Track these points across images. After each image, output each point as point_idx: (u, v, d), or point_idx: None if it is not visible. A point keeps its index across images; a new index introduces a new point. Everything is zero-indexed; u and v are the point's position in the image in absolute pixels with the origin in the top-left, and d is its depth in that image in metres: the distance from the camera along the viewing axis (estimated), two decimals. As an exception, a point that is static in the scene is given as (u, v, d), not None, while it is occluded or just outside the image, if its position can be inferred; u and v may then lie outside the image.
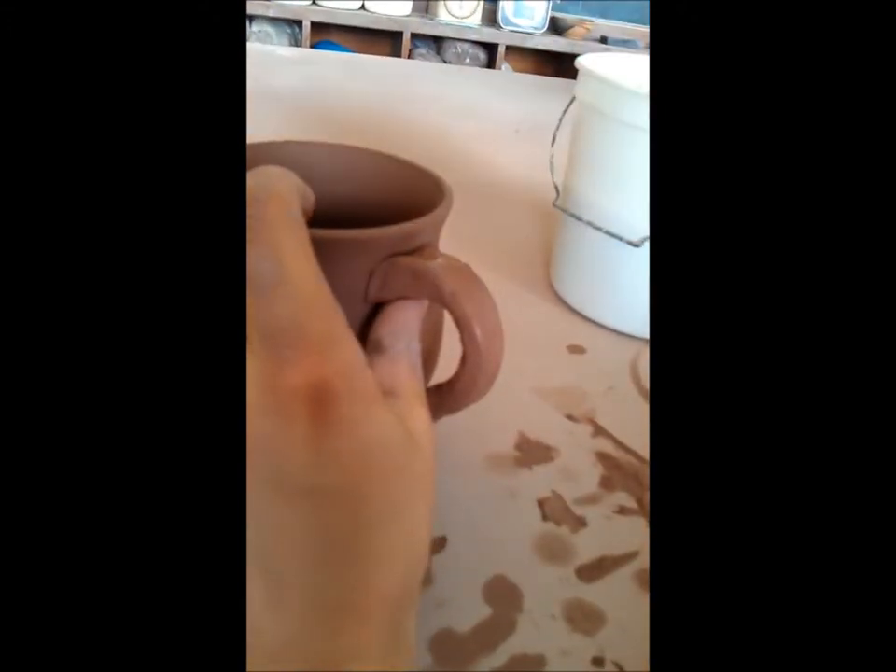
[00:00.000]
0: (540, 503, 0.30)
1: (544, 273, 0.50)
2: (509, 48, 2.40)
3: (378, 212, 0.30)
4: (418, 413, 0.20)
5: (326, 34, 2.38)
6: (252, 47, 1.14)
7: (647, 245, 0.39)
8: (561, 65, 2.49)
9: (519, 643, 0.24)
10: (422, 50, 2.40)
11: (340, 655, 0.15)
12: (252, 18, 2.20)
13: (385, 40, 2.42)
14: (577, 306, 0.45)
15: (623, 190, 0.40)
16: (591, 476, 0.32)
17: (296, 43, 2.24)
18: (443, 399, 0.25)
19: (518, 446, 0.33)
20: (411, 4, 2.31)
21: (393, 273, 0.24)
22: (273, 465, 0.14)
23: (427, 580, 0.25)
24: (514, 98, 1.06)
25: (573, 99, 0.44)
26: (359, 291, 0.24)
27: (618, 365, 0.41)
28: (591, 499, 0.30)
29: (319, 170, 0.31)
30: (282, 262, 0.16)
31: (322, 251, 0.23)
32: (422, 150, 0.75)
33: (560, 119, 0.47)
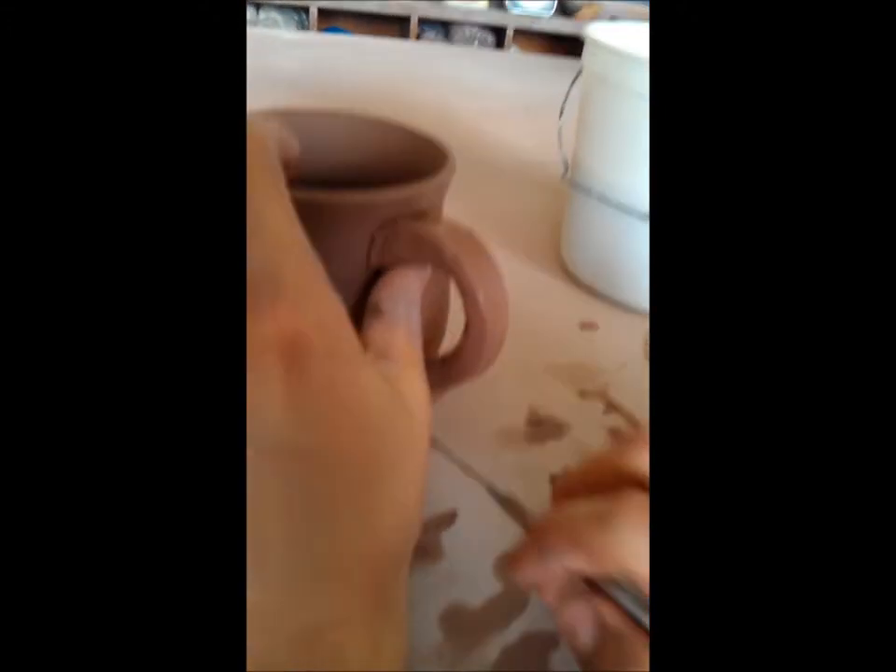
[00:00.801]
0: (552, 479, 0.29)
1: (555, 250, 0.49)
2: (517, 31, 2.38)
3: (381, 179, 0.29)
4: (412, 377, 0.19)
5: (333, 20, 2.36)
6: (257, 31, 1.14)
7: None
8: (570, 48, 2.46)
9: (532, 620, 0.23)
10: (430, 35, 2.38)
11: (322, 620, 0.15)
12: (259, 5, 2.19)
13: (392, 25, 2.40)
14: (588, 282, 0.44)
15: (632, 162, 0.39)
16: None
17: (303, 29, 2.23)
18: (449, 369, 0.24)
19: (530, 422, 0.32)
20: (417, -12, 2.29)
21: (394, 238, 0.23)
22: (248, 420, 0.14)
23: (437, 554, 0.25)
24: (523, 78, 1.05)
25: (580, 71, 0.43)
26: (361, 257, 0.24)
27: (631, 341, 0.40)
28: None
29: (321, 138, 0.30)
30: (255, 209, 0.15)
31: (322, 215, 0.22)
32: (430, 129, 0.74)
33: (568, 91, 0.46)
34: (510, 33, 2.37)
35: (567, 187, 0.44)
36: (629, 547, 0.16)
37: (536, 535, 0.19)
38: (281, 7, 2.22)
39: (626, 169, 0.40)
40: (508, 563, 0.19)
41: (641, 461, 0.18)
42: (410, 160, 0.29)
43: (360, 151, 0.30)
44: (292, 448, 0.14)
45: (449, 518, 0.27)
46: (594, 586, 0.18)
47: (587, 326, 0.41)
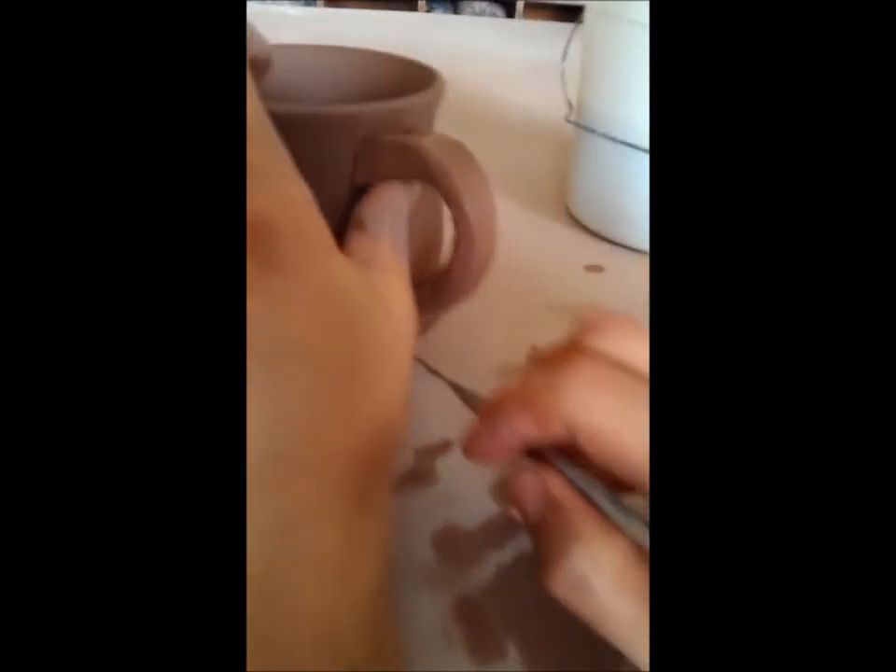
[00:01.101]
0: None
1: (562, 200, 0.48)
2: (527, 4, 2.34)
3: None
4: (394, 284, 0.19)
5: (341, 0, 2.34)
6: (262, 7, 1.13)
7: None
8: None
9: (526, 541, 0.22)
10: (439, 11, 2.35)
11: (297, 514, 0.14)
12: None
13: (400, 3, 2.38)
14: (594, 226, 0.43)
15: (635, 97, 0.38)
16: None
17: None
18: (439, 288, 0.23)
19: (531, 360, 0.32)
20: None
21: (378, 152, 0.22)
22: None
23: (432, 479, 0.24)
24: (532, 44, 1.03)
25: (582, 11, 0.42)
26: (345, 175, 0.23)
27: (637, 282, 0.39)
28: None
29: (308, 72, 0.29)
30: None
31: (303, 130, 0.22)
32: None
33: (571, 33, 0.45)
34: (520, 6, 2.33)
35: (572, 131, 0.43)
36: (575, 400, 0.16)
37: (489, 407, 0.18)
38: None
39: (629, 103, 0.38)
40: (463, 444, 0.19)
41: (601, 342, 0.18)
42: (399, 86, 0.28)
43: (349, 82, 0.30)
44: (260, 335, 0.14)
45: (444, 446, 0.26)
46: (544, 461, 0.18)
47: (593, 269, 0.40)
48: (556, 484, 0.17)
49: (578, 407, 0.16)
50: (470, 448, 0.19)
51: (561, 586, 0.16)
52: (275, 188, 0.15)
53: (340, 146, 0.23)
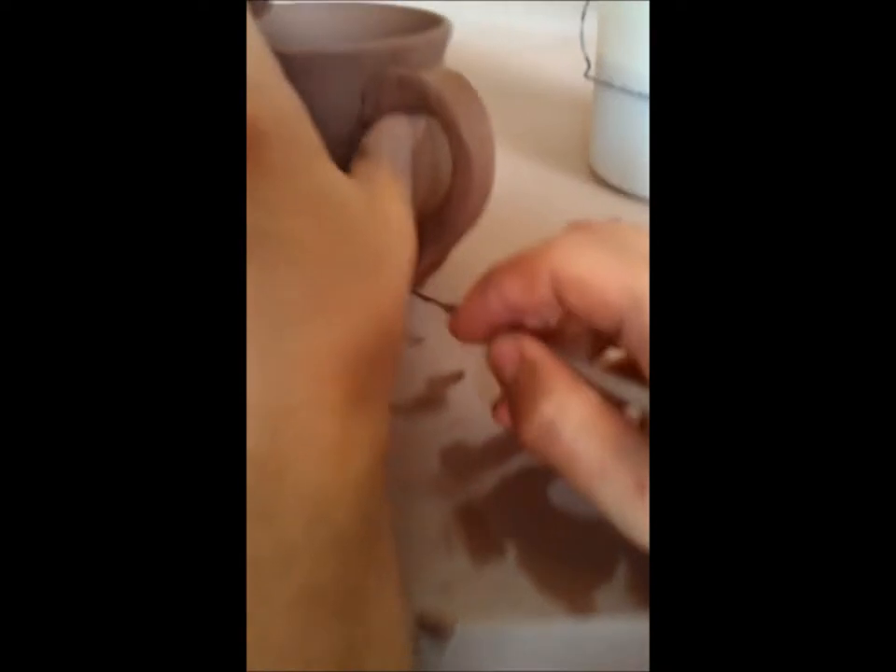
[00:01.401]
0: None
1: (585, 160, 0.49)
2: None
3: None
4: (392, 201, 0.20)
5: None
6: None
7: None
8: None
9: (531, 457, 0.23)
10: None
11: (295, 402, 0.15)
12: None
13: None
14: (616, 182, 0.43)
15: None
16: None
17: None
18: (440, 219, 0.24)
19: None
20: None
21: (382, 87, 0.23)
22: None
23: (442, 404, 0.25)
24: (556, 17, 1.03)
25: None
26: (353, 113, 0.24)
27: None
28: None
29: (316, 26, 0.30)
30: None
31: (312, 69, 0.23)
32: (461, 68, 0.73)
33: (590, -9, 0.45)
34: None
35: (595, 94, 0.44)
36: (560, 257, 0.17)
37: (480, 279, 0.20)
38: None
39: (645, 56, 0.39)
40: (451, 320, 0.21)
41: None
42: (405, 30, 0.29)
43: (357, 32, 0.31)
44: (254, 235, 0.15)
45: (456, 376, 0.27)
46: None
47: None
48: (531, 347, 0.19)
49: (563, 262, 0.17)
50: (459, 320, 0.20)
51: (532, 433, 0.17)
52: (265, 95, 0.16)
53: (347, 84, 0.24)
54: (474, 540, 0.20)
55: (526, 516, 0.21)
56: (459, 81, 0.23)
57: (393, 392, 0.24)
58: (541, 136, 0.53)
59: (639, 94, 0.39)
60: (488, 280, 0.19)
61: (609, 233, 0.18)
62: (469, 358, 0.28)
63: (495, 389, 0.25)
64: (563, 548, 0.20)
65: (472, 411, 0.25)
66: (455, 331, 0.21)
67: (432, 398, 0.26)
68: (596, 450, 0.16)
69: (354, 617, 0.15)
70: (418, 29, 0.28)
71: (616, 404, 0.18)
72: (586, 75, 0.43)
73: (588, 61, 0.44)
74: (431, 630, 0.18)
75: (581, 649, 0.18)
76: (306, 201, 0.16)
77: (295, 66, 0.19)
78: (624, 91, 0.40)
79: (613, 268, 0.17)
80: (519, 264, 0.18)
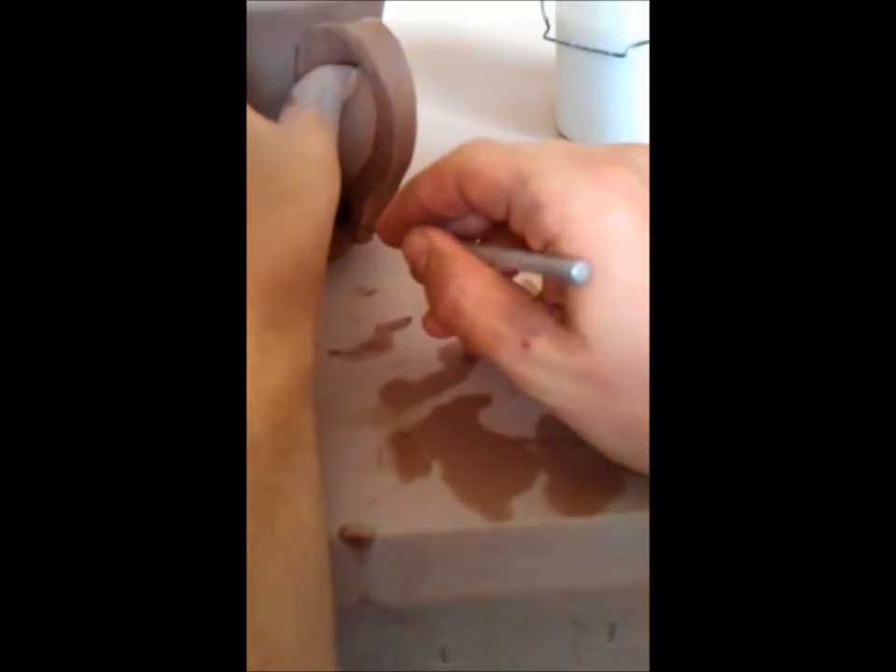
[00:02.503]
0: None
1: (551, 123, 0.49)
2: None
3: None
4: (313, 142, 0.21)
5: None
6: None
7: (631, 52, 0.38)
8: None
9: (467, 387, 0.24)
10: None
11: None
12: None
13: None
14: (580, 138, 0.44)
15: (603, 6, 0.39)
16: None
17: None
18: (371, 169, 0.25)
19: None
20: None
21: (312, 41, 0.24)
22: None
23: (387, 347, 0.26)
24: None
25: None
26: (289, 70, 0.25)
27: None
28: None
29: None
30: None
31: (251, 29, 0.24)
32: (427, 47, 0.74)
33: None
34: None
35: (550, 47, 0.44)
36: (464, 155, 0.20)
37: (401, 189, 0.22)
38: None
39: (599, 14, 0.39)
40: (377, 226, 0.23)
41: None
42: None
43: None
44: None
45: (404, 322, 0.28)
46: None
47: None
48: (437, 237, 0.21)
49: (464, 161, 0.19)
50: (382, 225, 0.23)
51: (443, 315, 0.20)
52: None
53: (282, 42, 0.25)
54: (403, 460, 0.21)
55: (455, 438, 0.22)
56: (378, 28, 0.24)
57: (342, 337, 0.26)
58: (510, 103, 0.54)
59: (594, 50, 0.39)
60: (407, 187, 0.22)
61: (513, 143, 0.20)
62: (418, 307, 0.29)
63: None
64: (485, 463, 0.21)
65: (415, 352, 0.26)
66: (381, 236, 0.23)
67: (379, 342, 0.27)
68: (491, 319, 0.19)
69: (262, 512, 0.16)
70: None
71: (509, 274, 0.21)
72: (545, 36, 0.44)
73: (547, 22, 0.45)
74: (351, 541, 0.19)
75: (498, 553, 0.19)
76: None
77: None
78: (581, 48, 0.40)
79: (505, 158, 0.19)
80: (431, 169, 0.21)
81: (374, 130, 0.24)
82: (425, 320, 0.23)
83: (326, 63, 0.24)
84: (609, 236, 0.17)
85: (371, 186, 0.26)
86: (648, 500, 0.19)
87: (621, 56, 0.38)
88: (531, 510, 0.19)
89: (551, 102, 0.52)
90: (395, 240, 0.23)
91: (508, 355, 0.18)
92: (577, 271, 0.16)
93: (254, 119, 0.19)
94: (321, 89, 0.23)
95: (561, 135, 0.46)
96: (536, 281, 0.27)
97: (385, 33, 0.24)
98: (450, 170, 0.20)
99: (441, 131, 0.33)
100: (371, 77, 0.23)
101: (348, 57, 0.24)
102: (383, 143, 0.24)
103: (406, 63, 0.23)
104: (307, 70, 0.25)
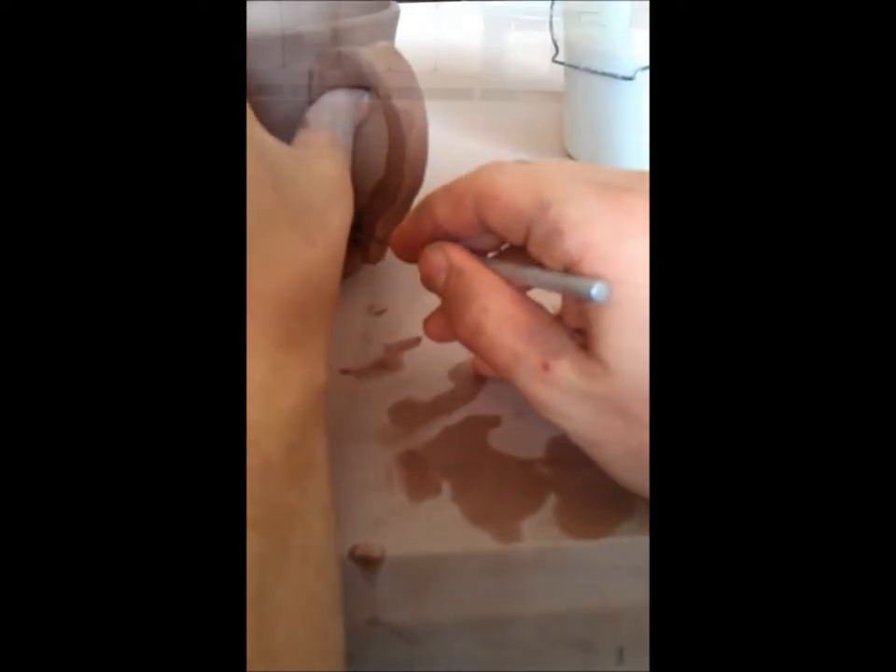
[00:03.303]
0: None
1: (560, 144, 0.50)
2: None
3: None
4: (326, 163, 0.21)
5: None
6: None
7: (639, 75, 0.39)
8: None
9: (476, 407, 0.24)
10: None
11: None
12: None
13: None
14: (588, 160, 0.44)
15: (612, 30, 0.40)
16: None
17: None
18: (381, 193, 0.25)
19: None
20: None
21: (325, 64, 0.25)
22: None
23: (397, 367, 0.27)
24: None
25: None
26: (302, 91, 0.25)
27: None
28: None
29: (276, 14, 0.32)
30: None
31: (265, 50, 0.24)
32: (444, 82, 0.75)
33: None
34: None
35: (559, 70, 0.45)
36: (483, 180, 0.20)
37: (416, 207, 0.22)
38: None
39: (607, 38, 0.40)
40: (392, 242, 0.23)
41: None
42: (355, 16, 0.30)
43: (309, 20, 0.32)
44: None
45: (413, 342, 0.28)
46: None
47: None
48: (457, 255, 0.21)
49: (484, 185, 0.19)
50: (397, 241, 0.23)
51: (463, 333, 0.20)
52: None
53: (295, 65, 0.25)
54: (413, 480, 0.21)
55: (464, 459, 0.22)
56: (390, 53, 0.24)
57: (352, 356, 0.26)
58: (519, 125, 0.54)
59: (603, 74, 0.40)
60: (423, 205, 0.22)
61: (531, 164, 0.20)
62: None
63: (448, 352, 0.26)
64: (495, 484, 0.21)
65: (425, 372, 0.26)
66: (395, 251, 0.23)
67: (389, 361, 0.27)
68: (512, 339, 0.19)
69: (276, 533, 0.16)
70: (367, 11, 0.30)
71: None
72: (554, 59, 0.45)
73: (556, 45, 0.45)
74: (361, 561, 0.19)
75: (507, 575, 0.19)
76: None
77: (251, 48, 0.21)
78: (590, 71, 0.41)
79: (525, 183, 0.19)
80: (448, 190, 0.21)
81: (386, 153, 0.25)
82: (427, 322, 0.23)
83: (339, 86, 0.25)
84: (630, 263, 0.17)
85: (383, 207, 0.26)
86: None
87: (629, 79, 0.39)
88: (540, 532, 0.19)
89: (559, 124, 0.53)
90: (408, 256, 0.23)
91: (526, 375, 0.18)
92: (596, 290, 0.16)
93: (269, 142, 0.19)
94: (334, 112, 0.24)
95: (569, 157, 0.47)
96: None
97: (397, 58, 0.24)
98: (468, 193, 0.20)
99: (450, 151, 0.34)
100: (384, 101, 0.23)
101: (361, 81, 0.24)
102: (394, 166, 0.25)
103: (418, 88, 0.24)
104: (320, 93, 0.25)
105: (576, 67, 0.42)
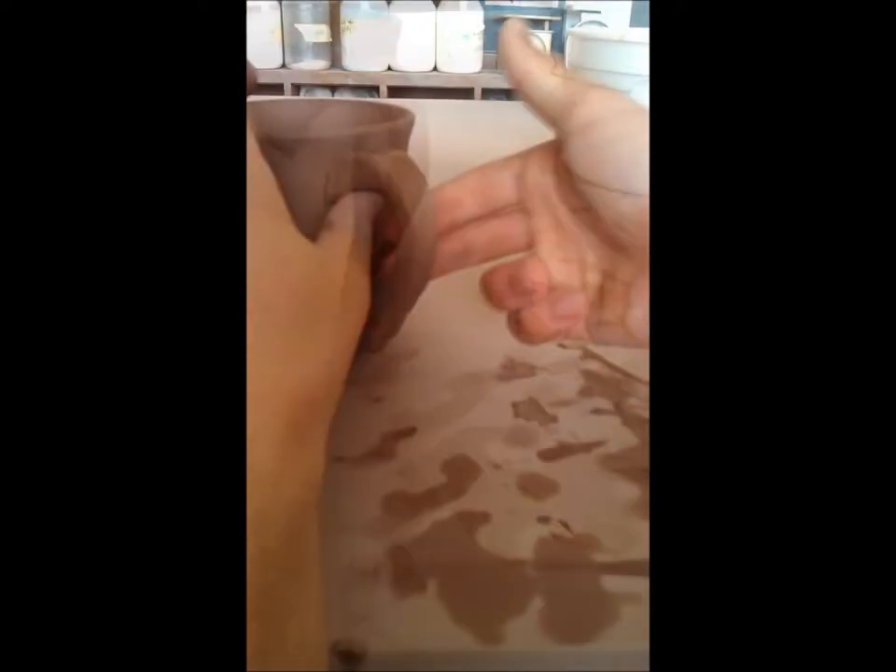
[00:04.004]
0: (514, 405, 0.31)
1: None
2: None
3: None
4: (350, 267, 0.22)
5: (402, 94, 2.51)
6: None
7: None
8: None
9: (467, 503, 0.25)
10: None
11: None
12: (334, 88, 2.37)
13: (458, 96, 2.53)
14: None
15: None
16: (571, 386, 0.33)
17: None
18: (388, 290, 0.27)
19: (503, 366, 0.34)
20: (480, 61, 2.42)
21: (342, 167, 0.26)
22: None
23: (391, 456, 0.27)
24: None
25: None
26: (319, 191, 0.27)
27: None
28: (566, 402, 0.31)
29: (298, 119, 0.34)
30: None
31: (293, 151, 0.26)
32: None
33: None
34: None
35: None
36: None
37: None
38: (354, 89, 2.39)
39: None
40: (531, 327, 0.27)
41: None
42: (375, 121, 0.32)
43: (330, 126, 0.34)
44: None
45: (408, 431, 0.29)
46: None
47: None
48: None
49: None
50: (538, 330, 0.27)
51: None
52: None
53: (313, 166, 0.27)
54: (399, 575, 0.21)
55: (452, 556, 0.22)
56: (405, 162, 0.26)
57: (347, 444, 0.26)
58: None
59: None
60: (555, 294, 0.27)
61: None
62: (424, 417, 0.30)
63: (442, 444, 0.27)
64: (481, 584, 0.21)
65: (418, 463, 0.27)
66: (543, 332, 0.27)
67: (383, 450, 0.27)
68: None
69: (273, 623, 0.16)
70: (384, 119, 0.32)
71: None
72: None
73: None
74: (343, 657, 0.19)
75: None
76: (270, 259, 0.19)
77: (277, 149, 0.23)
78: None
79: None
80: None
81: (396, 256, 0.26)
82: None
83: (356, 187, 0.26)
84: None
85: (387, 304, 0.27)
86: (640, 632, 0.20)
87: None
88: (524, 635, 0.19)
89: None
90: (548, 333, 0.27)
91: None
92: None
93: (302, 247, 0.20)
94: (357, 216, 0.25)
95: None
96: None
97: (411, 167, 0.26)
98: None
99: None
100: (398, 210, 0.25)
101: (375, 185, 0.26)
102: (403, 268, 0.26)
103: (430, 197, 0.25)
104: (335, 194, 0.27)
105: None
